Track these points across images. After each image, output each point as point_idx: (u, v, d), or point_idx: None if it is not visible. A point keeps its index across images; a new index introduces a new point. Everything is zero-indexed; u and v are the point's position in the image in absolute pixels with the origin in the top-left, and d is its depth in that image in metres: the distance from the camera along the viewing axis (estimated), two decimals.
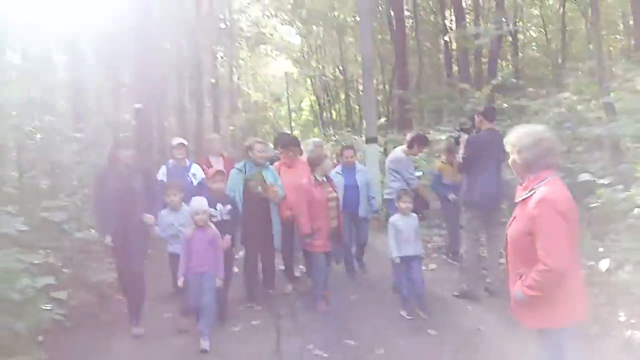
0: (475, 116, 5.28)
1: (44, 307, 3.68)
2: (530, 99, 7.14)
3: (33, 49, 7.37)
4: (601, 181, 4.58)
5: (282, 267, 6.04)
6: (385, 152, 11.66)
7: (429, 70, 20.50)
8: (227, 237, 4.65)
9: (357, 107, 26.20)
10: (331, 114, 30.73)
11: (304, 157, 5.90)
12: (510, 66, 19.94)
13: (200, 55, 17.54)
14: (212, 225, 4.32)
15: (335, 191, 5.21)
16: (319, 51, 28.94)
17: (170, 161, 5.56)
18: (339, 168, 6.20)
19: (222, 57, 20.99)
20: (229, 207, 4.75)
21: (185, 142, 5.53)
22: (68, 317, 4.13)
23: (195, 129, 17.42)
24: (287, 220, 5.40)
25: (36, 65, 7.12)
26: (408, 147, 6.00)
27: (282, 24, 19.69)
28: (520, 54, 17.51)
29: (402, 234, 4.67)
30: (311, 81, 32.06)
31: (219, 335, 4.33)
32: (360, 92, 26.30)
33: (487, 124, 5.17)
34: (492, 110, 5.43)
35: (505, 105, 7.33)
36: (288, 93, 36.79)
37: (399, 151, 6.27)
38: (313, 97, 33.42)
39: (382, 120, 20.47)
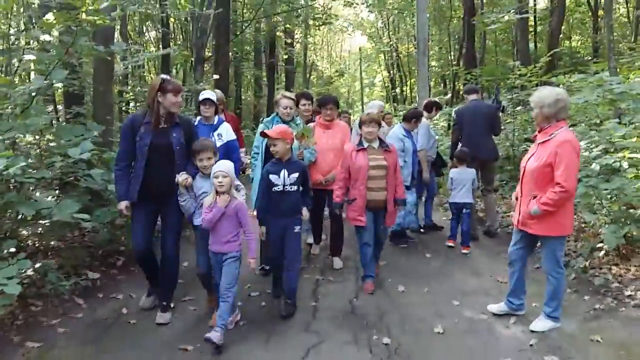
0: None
1: None
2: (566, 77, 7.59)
3: None
4: None
5: (310, 240, 5.77)
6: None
7: (501, 47, 20.53)
8: (304, 210, 3.98)
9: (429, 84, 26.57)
10: (402, 89, 30.89)
11: (343, 121, 5.77)
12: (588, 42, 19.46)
13: (276, 33, 18.93)
14: (238, 195, 3.51)
15: (391, 159, 4.38)
16: (391, 27, 29.24)
17: (198, 118, 4.72)
18: (402, 130, 5.68)
19: (297, 35, 22.29)
20: (295, 175, 3.86)
21: (214, 97, 4.62)
22: None
23: (269, 103, 18.96)
24: (318, 185, 4.86)
25: None
26: (427, 111, 6.77)
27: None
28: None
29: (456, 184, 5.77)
30: (384, 57, 32.38)
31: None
32: (430, 68, 26.89)
33: (469, 97, 6.33)
34: (469, 88, 6.64)
35: (554, 79, 7.72)
36: (361, 68, 37.60)
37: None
38: (385, 73, 33.67)
39: (449, 96, 21.03)
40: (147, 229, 3.74)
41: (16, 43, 4.93)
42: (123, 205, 3.64)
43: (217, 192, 3.42)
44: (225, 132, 4.58)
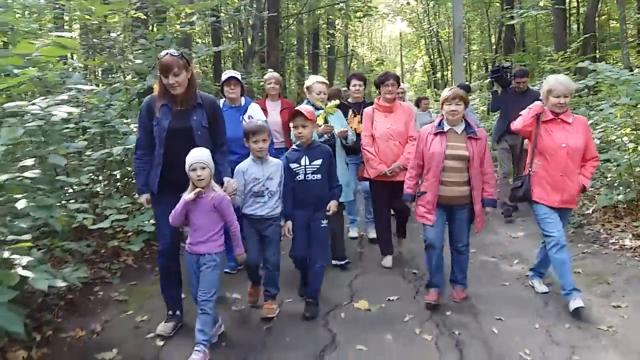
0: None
1: None
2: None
3: None
4: None
5: (352, 234, 5.59)
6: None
7: (544, 29, 20.74)
8: (332, 203, 3.59)
9: (470, 68, 26.92)
10: (443, 74, 31.19)
11: (407, 103, 5.35)
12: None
13: (319, 25, 19.96)
14: (218, 187, 3.05)
15: (477, 148, 3.60)
16: (432, 12, 29.57)
17: (222, 100, 4.34)
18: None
19: (338, 25, 23.23)
20: (317, 162, 3.52)
21: (238, 76, 4.25)
22: None
23: None
24: (381, 177, 4.41)
25: None
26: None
27: None
28: None
29: None
30: (425, 42, 32.73)
31: None
32: (470, 53, 27.27)
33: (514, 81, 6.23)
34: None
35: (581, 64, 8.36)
36: (401, 54, 38.13)
37: None
38: (426, 58, 33.98)
39: (488, 80, 21.49)
40: None
41: (123, 48, 6.18)
42: (143, 198, 3.27)
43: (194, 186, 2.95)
44: (256, 114, 4.31)
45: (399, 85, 4.72)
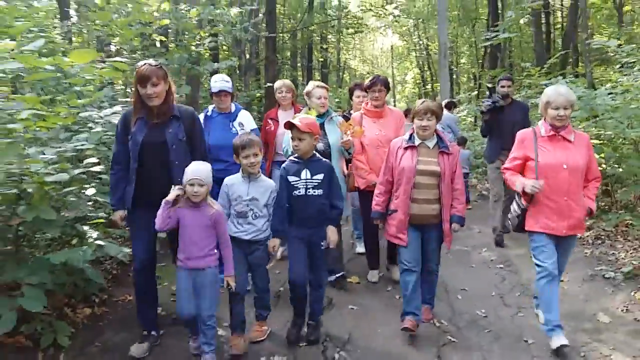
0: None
1: None
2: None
3: None
4: None
5: (359, 249, 5.25)
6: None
7: (529, 44, 21.85)
8: (329, 229, 3.29)
9: (459, 80, 28.09)
10: (433, 86, 32.24)
11: (398, 109, 4.89)
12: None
13: (312, 38, 20.96)
14: (215, 203, 3.02)
15: (448, 163, 3.45)
16: (421, 27, 30.71)
17: (210, 107, 4.21)
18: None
19: (330, 40, 24.27)
20: (319, 176, 3.24)
21: (229, 87, 4.11)
22: None
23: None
24: (371, 188, 3.99)
25: None
26: (448, 108, 8.57)
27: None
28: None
29: None
30: (415, 55, 33.87)
31: None
32: (459, 65, 28.49)
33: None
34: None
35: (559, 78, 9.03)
36: (393, 66, 39.34)
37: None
38: (417, 70, 35.08)
39: (475, 93, 22.59)
40: (148, 238, 3.13)
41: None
42: (117, 215, 3.15)
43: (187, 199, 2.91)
44: (247, 121, 4.13)
45: (388, 91, 4.43)
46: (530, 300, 4.04)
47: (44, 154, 3.14)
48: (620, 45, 6.67)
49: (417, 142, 3.47)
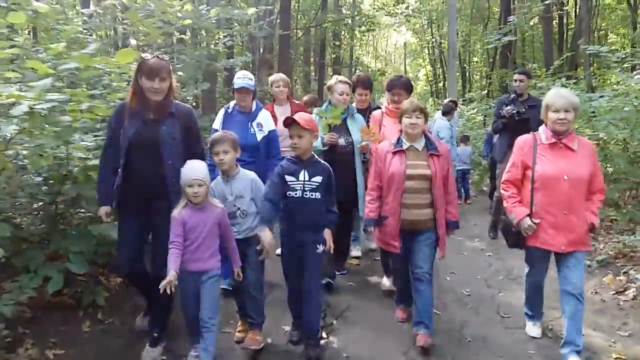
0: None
1: None
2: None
3: None
4: None
5: (355, 253, 5.11)
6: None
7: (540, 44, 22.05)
8: (325, 232, 3.14)
9: (471, 78, 28.33)
10: (444, 84, 32.40)
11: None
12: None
13: (325, 35, 21.39)
14: (216, 202, 2.96)
15: (439, 165, 3.33)
16: (435, 24, 30.88)
17: (231, 104, 4.09)
18: (446, 123, 7.19)
19: (344, 35, 24.68)
20: (318, 179, 3.10)
21: (251, 84, 3.96)
22: None
23: (319, 97, 21.52)
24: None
25: None
26: (444, 113, 8.95)
27: None
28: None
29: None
30: (428, 52, 34.06)
31: None
32: (471, 64, 28.72)
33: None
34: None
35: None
36: (405, 63, 39.60)
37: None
38: (429, 68, 35.26)
39: (485, 91, 22.89)
40: (134, 239, 3.06)
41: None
42: (102, 211, 3.07)
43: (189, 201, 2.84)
44: (266, 122, 4.00)
45: (409, 94, 4.19)
46: (510, 283, 4.49)
47: (83, 141, 3.66)
48: (615, 50, 6.98)
49: (405, 145, 3.36)
